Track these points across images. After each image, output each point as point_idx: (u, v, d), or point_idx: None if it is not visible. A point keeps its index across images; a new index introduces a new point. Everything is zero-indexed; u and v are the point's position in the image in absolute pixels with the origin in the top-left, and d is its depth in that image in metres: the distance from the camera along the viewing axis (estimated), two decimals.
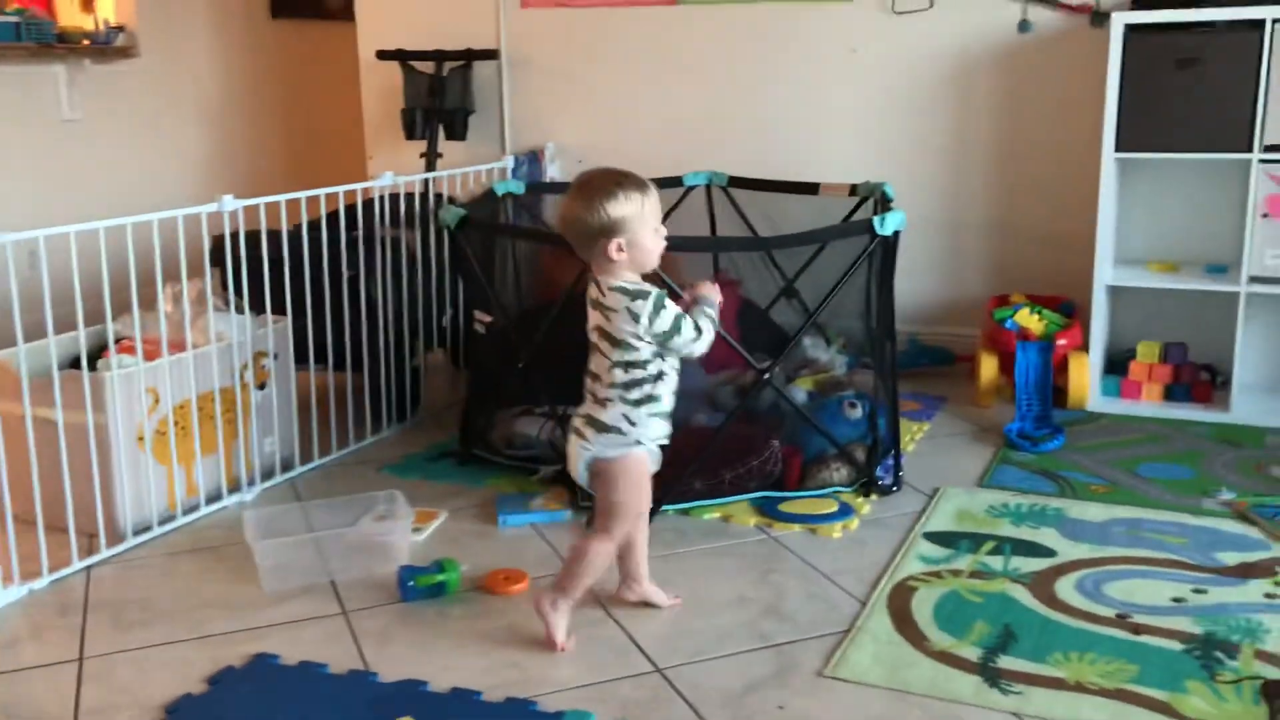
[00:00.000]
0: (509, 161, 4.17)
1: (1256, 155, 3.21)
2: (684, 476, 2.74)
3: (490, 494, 2.94)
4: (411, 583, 2.38)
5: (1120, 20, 3.32)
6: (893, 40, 3.96)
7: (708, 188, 3.92)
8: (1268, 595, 2.31)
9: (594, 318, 2.16)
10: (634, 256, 2.10)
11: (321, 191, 3.13)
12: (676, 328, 2.10)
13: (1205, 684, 2.00)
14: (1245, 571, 2.42)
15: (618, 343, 2.11)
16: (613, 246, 2.08)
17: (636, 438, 2.14)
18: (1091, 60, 3.56)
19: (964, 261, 4.05)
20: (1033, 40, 3.78)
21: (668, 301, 2.10)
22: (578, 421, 2.18)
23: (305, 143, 5.61)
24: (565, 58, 4.46)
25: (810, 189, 3.60)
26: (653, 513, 2.69)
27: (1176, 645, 2.12)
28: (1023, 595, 2.33)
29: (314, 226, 3.14)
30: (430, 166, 4.30)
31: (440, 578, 2.38)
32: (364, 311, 3.29)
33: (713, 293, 2.24)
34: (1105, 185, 3.41)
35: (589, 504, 2.73)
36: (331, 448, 3.25)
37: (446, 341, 3.79)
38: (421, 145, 4.41)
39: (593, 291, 2.16)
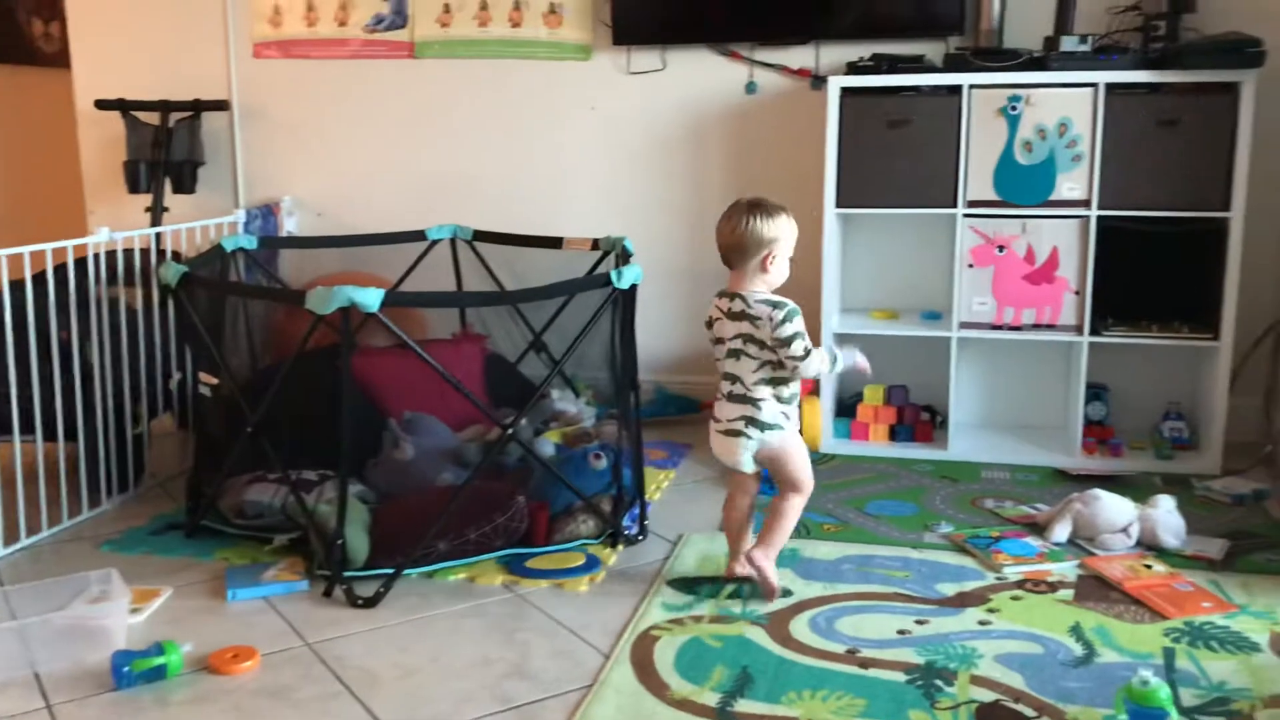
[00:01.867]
0: (240, 216, 4.01)
1: (960, 210, 3.47)
2: (427, 538, 2.68)
3: (220, 567, 2.78)
4: (126, 668, 2.20)
5: (836, 84, 3.53)
6: (630, 98, 4.07)
7: (452, 241, 3.89)
8: (981, 622, 2.46)
9: (736, 327, 2.55)
10: (774, 271, 2.55)
11: (25, 249, 2.90)
12: (790, 339, 2.47)
13: (926, 712, 2.09)
14: (962, 600, 2.57)
15: (764, 346, 2.50)
16: (769, 258, 2.51)
17: (793, 429, 2.56)
18: (813, 121, 3.76)
19: (706, 311, 4.16)
20: (760, 101, 3.97)
21: (798, 319, 2.48)
22: (736, 424, 2.56)
23: (15, 197, 5.21)
24: (302, 109, 4.35)
25: (554, 243, 3.62)
26: (395, 577, 2.63)
27: (900, 676, 2.22)
28: (760, 637, 2.39)
29: (18, 287, 2.91)
30: (155, 221, 4.08)
31: (159, 661, 2.22)
32: (78, 376, 3.06)
33: (859, 361, 2.63)
34: (829, 239, 3.60)
35: (326, 573, 2.63)
36: (42, 526, 2.99)
37: (174, 406, 3.58)
38: (147, 199, 4.18)
39: (733, 305, 2.56)
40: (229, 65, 4.35)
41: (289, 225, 4.31)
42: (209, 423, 3.05)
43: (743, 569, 2.64)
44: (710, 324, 2.63)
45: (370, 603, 2.57)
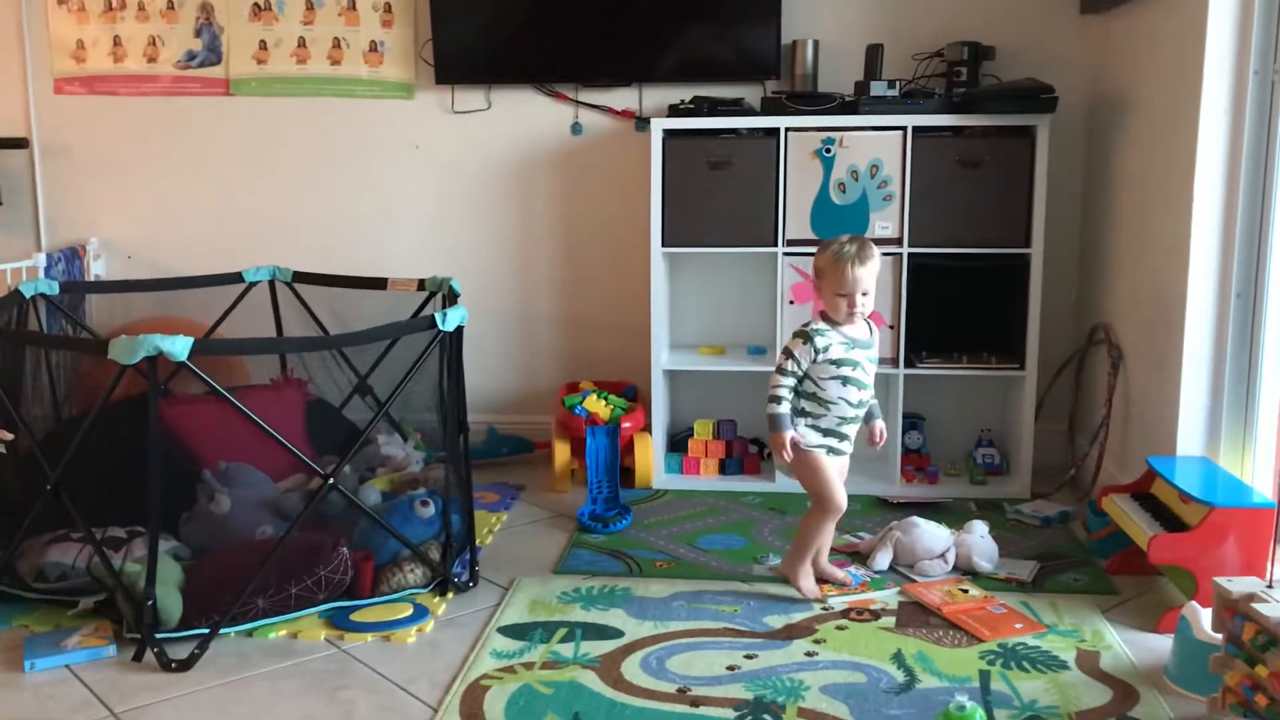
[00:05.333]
0: (41, 259, 3.79)
1: (780, 249, 3.56)
2: (245, 594, 2.57)
3: (18, 636, 2.60)
4: None
5: (659, 126, 3.58)
6: (455, 138, 4.04)
7: (271, 283, 3.77)
8: (808, 654, 2.51)
9: None
10: (825, 301, 2.75)
11: None
12: (780, 359, 2.74)
13: None
14: (789, 633, 2.62)
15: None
16: (818, 288, 2.77)
17: (806, 441, 2.74)
18: (638, 161, 3.81)
19: (536, 351, 4.17)
20: (586, 142, 3.99)
21: (797, 344, 2.71)
22: None
23: None
24: (110, 147, 4.16)
25: (378, 284, 3.55)
26: (211, 636, 2.51)
27: (730, 713, 2.24)
28: (592, 680, 2.38)
29: None
30: None
31: None
32: None
33: (780, 452, 2.73)
34: (656, 277, 3.64)
35: (136, 636, 2.50)
36: None
37: None
38: None
39: None
40: (28, 101, 4.13)
41: (96, 268, 4.11)
42: (5, 480, 2.86)
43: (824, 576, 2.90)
44: None
45: (184, 665, 2.45)
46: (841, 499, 2.77)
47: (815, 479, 2.77)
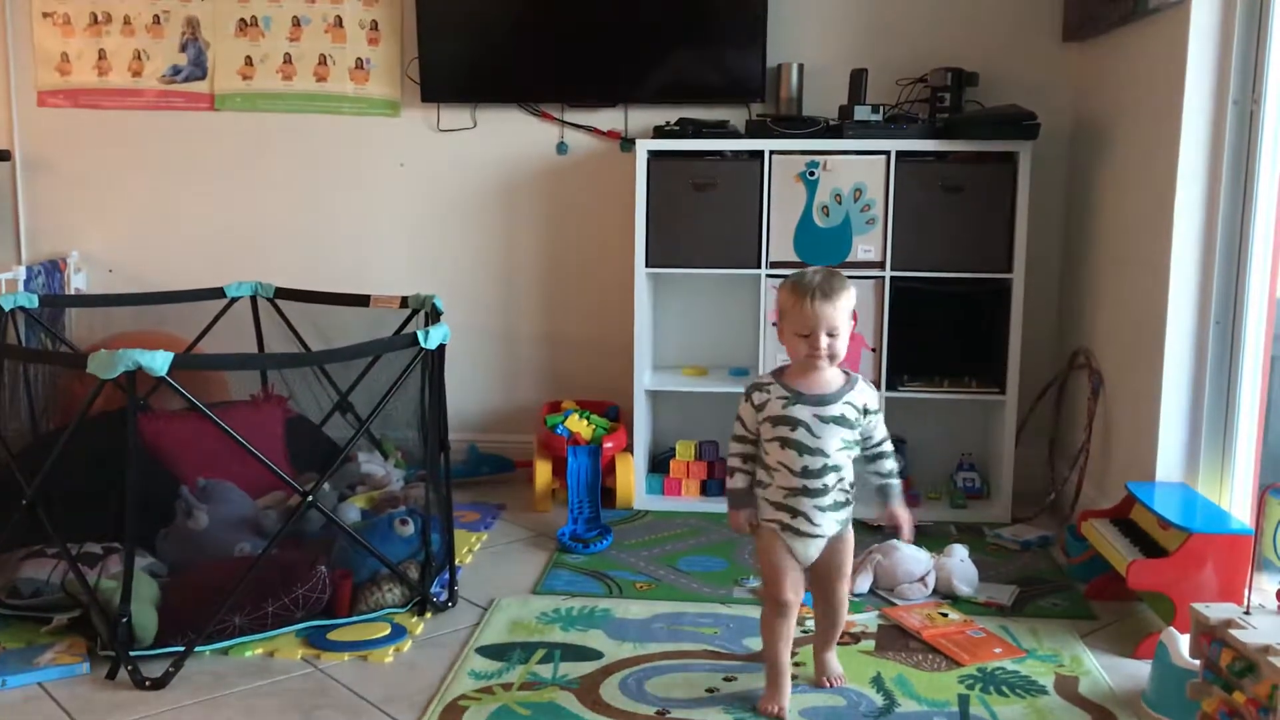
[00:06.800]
0: (20, 272, 3.77)
1: (764, 270, 3.57)
2: (221, 612, 2.55)
3: None
4: None
5: (644, 147, 3.60)
6: (440, 156, 4.04)
7: (253, 299, 3.76)
8: None
9: None
10: (786, 343, 2.30)
11: None
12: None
13: None
14: None
15: None
16: (779, 329, 2.34)
17: (769, 523, 2.34)
18: (623, 182, 3.82)
19: (519, 370, 4.16)
20: (571, 161, 4.00)
21: (739, 416, 2.34)
22: None
23: None
24: (93, 160, 4.15)
25: (361, 301, 3.55)
26: (186, 655, 2.49)
27: None
28: (570, 702, 2.37)
29: None
30: None
31: None
32: None
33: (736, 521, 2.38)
34: (639, 297, 3.65)
35: (110, 653, 2.47)
36: None
37: None
38: None
39: None
40: (11, 113, 4.12)
41: (77, 282, 4.09)
42: None
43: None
44: None
45: (158, 684, 2.42)
46: (783, 590, 2.31)
47: (760, 559, 2.38)
